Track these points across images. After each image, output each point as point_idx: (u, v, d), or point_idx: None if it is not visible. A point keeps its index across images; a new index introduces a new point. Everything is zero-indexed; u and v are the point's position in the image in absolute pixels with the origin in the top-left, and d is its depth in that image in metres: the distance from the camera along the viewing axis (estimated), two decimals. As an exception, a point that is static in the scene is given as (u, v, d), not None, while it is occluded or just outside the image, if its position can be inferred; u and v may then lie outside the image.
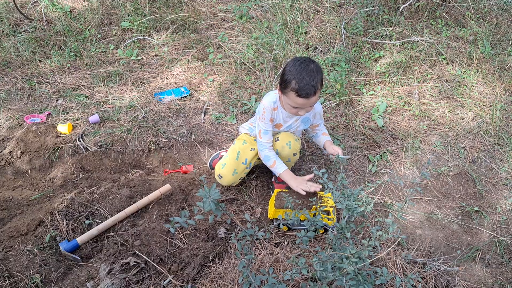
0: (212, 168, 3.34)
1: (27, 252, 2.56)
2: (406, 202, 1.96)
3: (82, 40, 4.82)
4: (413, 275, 2.06)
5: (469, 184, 3.21)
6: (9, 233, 2.70)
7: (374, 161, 3.33)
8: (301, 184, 2.65)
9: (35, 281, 2.41)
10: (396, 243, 2.58)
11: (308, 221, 2.18)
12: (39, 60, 4.55)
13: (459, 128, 3.59)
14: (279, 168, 2.76)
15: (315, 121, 2.97)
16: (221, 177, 3.00)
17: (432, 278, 2.42)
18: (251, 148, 2.94)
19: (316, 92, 2.47)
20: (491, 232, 2.86)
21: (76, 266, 2.56)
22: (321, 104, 3.77)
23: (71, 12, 5.14)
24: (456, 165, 3.33)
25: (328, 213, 2.62)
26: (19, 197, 3.10)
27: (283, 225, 2.76)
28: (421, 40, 4.32)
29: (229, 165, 2.95)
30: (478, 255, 2.70)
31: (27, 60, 4.53)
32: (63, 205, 2.86)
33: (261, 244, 2.64)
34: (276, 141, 2.85)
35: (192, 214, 2.79)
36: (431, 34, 4.49)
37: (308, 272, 2.01)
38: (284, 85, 2.51)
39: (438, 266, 2.50)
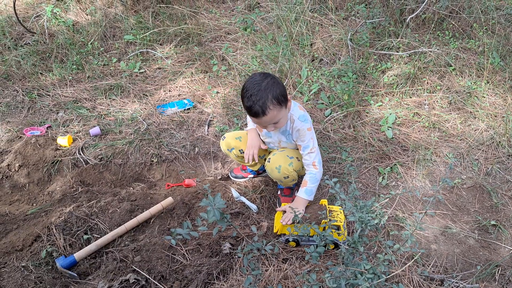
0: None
1: (22, 269, 2.43)
2: (425, 213, 1.84)
3: (84, 53, 4.76)
4: (431, 292, 1.92)
5: (484, 197, 3.08)
6: (4, 249, 2.59)
7: (385, 173, 3.21)
8: (249, 149, 2.78)
9: (29, 300, 2.28)
10: (415, 258, 2.43)
11: (317, 235, 2.05)
12: (40, 73, 4.49)
13: (472, 139, 3.47)
14: (249, 126, 2.95)
15: (295, 139, 2.74)
16: (224, 138, 2.97)
17: (451, 296, 2.28)
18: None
19: (266, 112, 2.35)
20: (511, 247, 2.72)
21: (73, 283, 2.42)
22: (328, 115, 3.67)
23: (73, 25, 5.09)
24: (470, 178, 3.20)
25: (338, 227, 2.49)
26: (16, 211, 2.99)
27: (291, 240, 2.62)
28: (429, 51, 4.23)
29: (236, 132, 3.00)
30: (498, 272, 2.55)
31: (28, 73, 4.47)
32: (60, 219, 2.74)
33: (268, 260, 2.51)
34: (267, 162, 2.75)
35: (195, 227, 2.67)
36: (439, 45, 4.40)
37: (319, 289, 1.88)
38: (242, 103, 2.50)
39: (457, 283, 2.36)
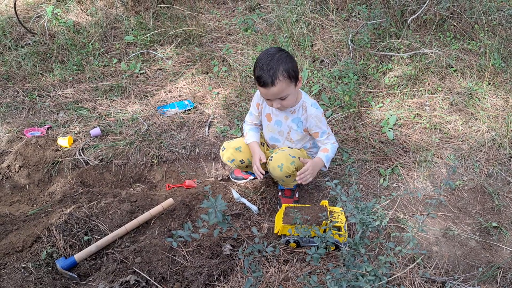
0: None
1: (22, 270, 2.42)
2: (427, 215, 1.83)
3: (85, 54, 4.76)
4: (433, 294, 1.91)
5: (485, 198, 3.07)
6: (4, 249, 2.58)
7: (386, 175, 3.20)
8: (255, 164, 2.74)
9: (29, 301, 2.27)
10: (417, 260, 2.42)
11: (318, 237, 2.04)
12: (40, 73, 4.48)
13: (473, 141, 3.47)
14: (247, 140, 2.89)
15: (309, 127, 2.75)
16: (224, 148, 2.92)
17: (452, 298, 2.27)
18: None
19: (275, 82, 2.39)
20: (512, 249, 2.71)
21: (73, 284, 2.41)
22: (329, 116, 3.67)
23: (74, 26, 5.09)
24: (471, 179, 3.19)
25: (339, 229, 2.48)
26: (16, 212, 2.99)
27: (292, 241, 2.61)
28: (430, 52, 4.23)
29: (235, 141, 2.94)
30: (499, 274, 2.54)
31: (29, 74, 4.47)
32: (61, 220, 2.73)
33: (268, 262, 2.50)
34: (269, 160, 2.73)
35: (196, 228, 2.66)
36: (440, 46, 4.40)
37: (320, 291, 1.87)
38: (253, 74, 2.52)
39: (458, 285, 2.35)
